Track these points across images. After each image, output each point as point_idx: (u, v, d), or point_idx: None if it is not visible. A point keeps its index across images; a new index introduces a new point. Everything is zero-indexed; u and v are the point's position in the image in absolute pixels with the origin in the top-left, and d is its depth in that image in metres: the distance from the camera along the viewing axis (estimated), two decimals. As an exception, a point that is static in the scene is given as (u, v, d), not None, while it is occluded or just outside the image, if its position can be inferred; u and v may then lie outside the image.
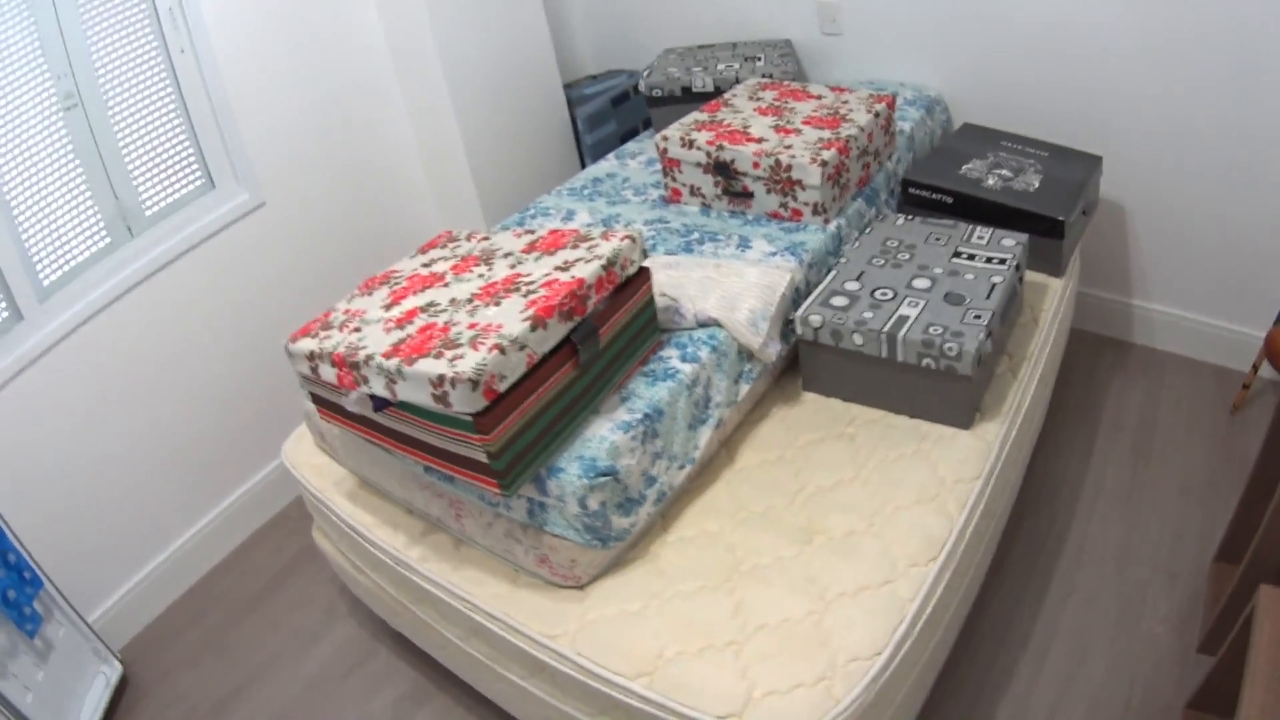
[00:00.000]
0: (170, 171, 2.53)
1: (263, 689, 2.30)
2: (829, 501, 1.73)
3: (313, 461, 2.09)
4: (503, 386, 1.43)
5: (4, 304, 2.28)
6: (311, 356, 1.65)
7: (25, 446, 2.36)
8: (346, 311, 1.74)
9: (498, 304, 1.55)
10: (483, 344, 1.44)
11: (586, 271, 1.58)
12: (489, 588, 1.68)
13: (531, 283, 1.59)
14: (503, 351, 1.42)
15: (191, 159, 2.56)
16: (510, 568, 1.71)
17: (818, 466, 1.82)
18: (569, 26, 3.44)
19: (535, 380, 1.50)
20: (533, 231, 1.81)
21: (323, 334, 1.69)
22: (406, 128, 3.04)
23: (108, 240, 2.43)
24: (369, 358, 1.52)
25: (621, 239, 1.67)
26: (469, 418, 1.42)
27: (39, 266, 2.29)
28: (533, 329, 1.47)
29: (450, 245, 1.89)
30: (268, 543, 2.79)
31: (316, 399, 1.78)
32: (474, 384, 1.38)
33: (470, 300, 1.59)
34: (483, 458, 1.47)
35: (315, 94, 2.77)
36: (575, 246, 1.68)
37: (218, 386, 2.69)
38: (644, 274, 1.72)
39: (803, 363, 2.00)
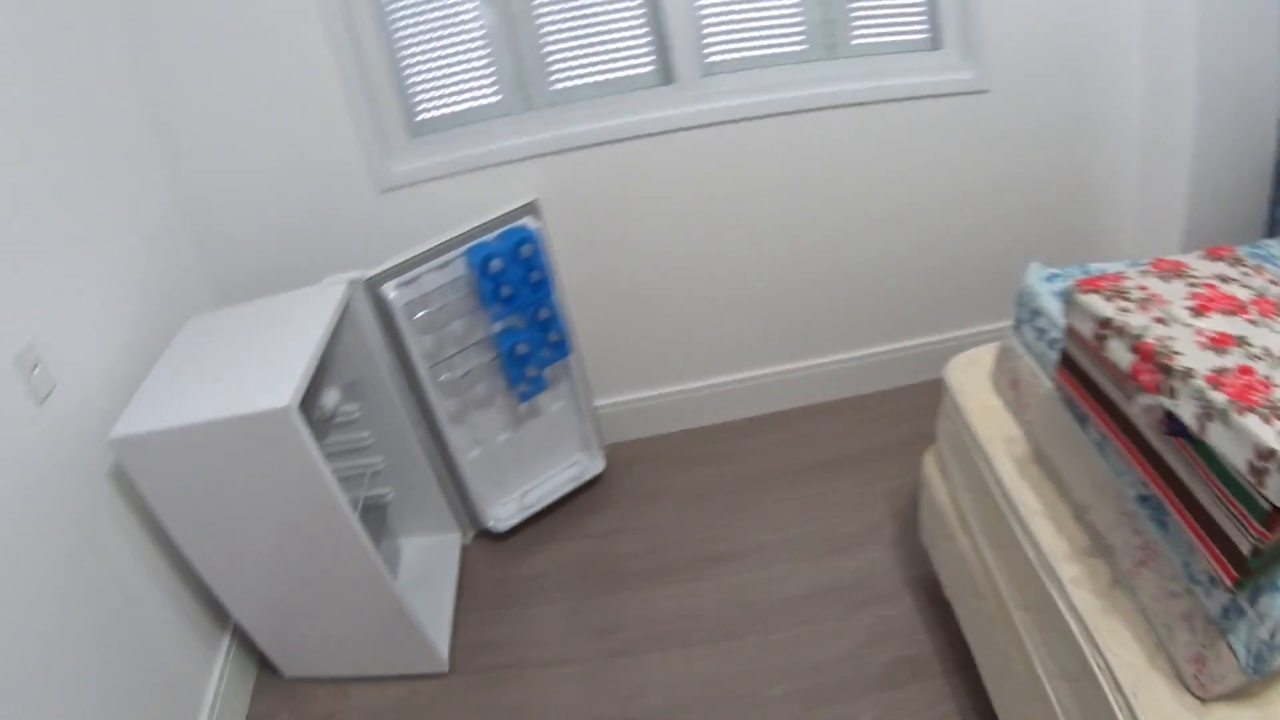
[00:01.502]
0: (895, 13, 2.29)
1: (759, 569, 2.11)
2: None
3: (985, 401, 1.77)
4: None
5: (656, 61, 2.20)
6: (1105, 324, 1.44)
7: (624, 214, 2.33)
8: (1142, 289, 1.51)
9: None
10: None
11: None
12: (1127, 652, 1.47)
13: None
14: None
15: (921, 8, 2.28)
16: (1153, 639, 1.50)
17: None
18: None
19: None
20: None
21: (1120, 303, 1.47)
22: (1134, 92, 2.44)
23: (803, 48, 2.23)
24: (1188, 372, 1.30)
25: None
26: (1269, 506, 1.20)
27: (707, 41, 2.17)
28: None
29: (1238, 266, 1.63)
30: (838, 421, 2.52)
31: (1066, 358, 1.60)
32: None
33: (1287, 362, 1.33)
34: (1241, 543, 1.24)
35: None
36: None
37: (862, 246, 2.47)
38: None
39: None
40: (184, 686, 1.94)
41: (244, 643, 2.15)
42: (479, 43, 2.15)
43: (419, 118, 2.24)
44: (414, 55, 2.16)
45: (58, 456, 1.70)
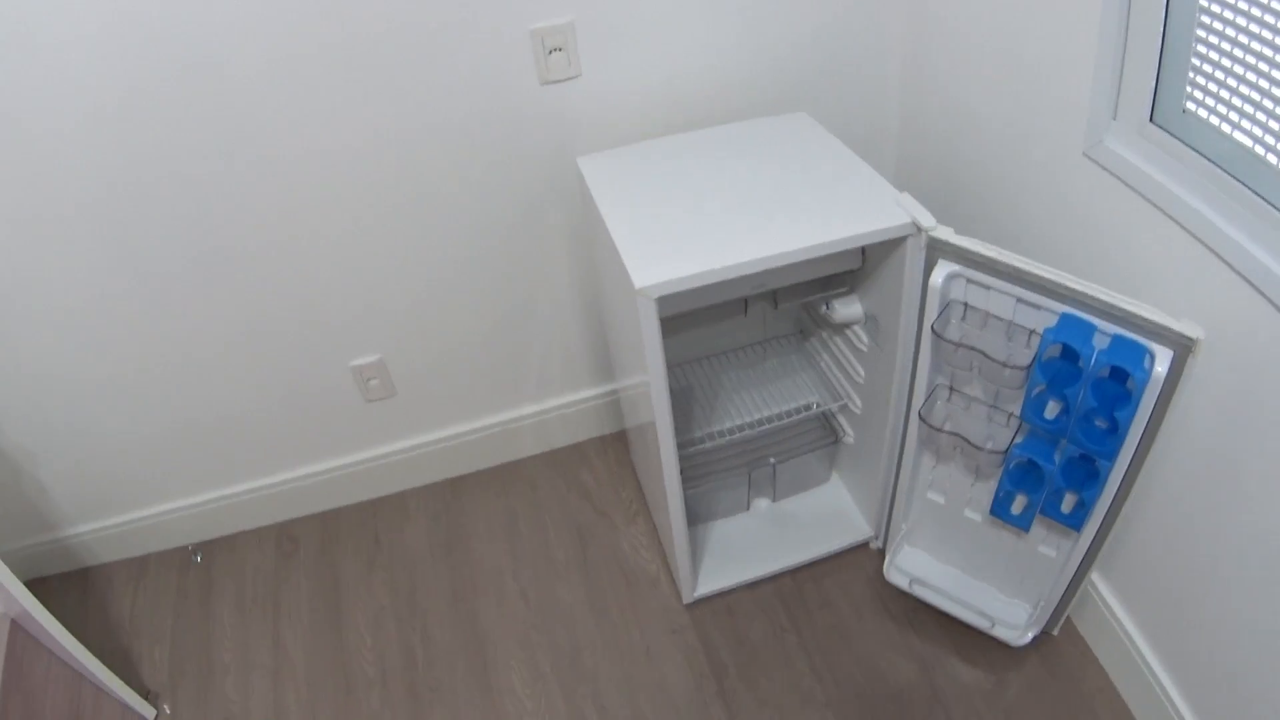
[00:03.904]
0: None
1: None
2: None
3: None
4: None
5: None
6: None
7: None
8: None
9: None
10: None
11: None
12: None
13: None
14: None
15: None
16: None
17: None
18: None
19: None
20: None
21: None
22: None
23: None
24: None
25: None
26: None
27: None
28: None
29: None
30: None
31: None
32: None
33: None
34: None
35: None
36: None
37: None
38: None
39: None
40: (542, 375, 2.21)
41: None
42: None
43: (1185, 104, 1.36)
44: (1220, 39, 1.25)
45: (539, 138, 1.83)
